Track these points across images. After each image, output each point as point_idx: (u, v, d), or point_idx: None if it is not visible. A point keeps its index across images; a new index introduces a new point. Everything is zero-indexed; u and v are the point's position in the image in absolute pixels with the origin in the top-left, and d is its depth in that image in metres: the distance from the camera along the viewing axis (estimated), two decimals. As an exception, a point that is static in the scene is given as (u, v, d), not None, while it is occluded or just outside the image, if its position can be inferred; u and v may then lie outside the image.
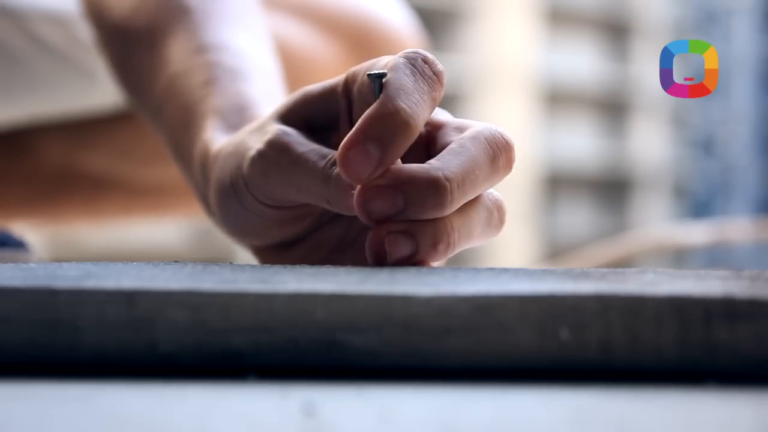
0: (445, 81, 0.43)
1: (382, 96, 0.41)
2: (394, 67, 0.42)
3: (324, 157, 0.43)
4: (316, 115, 0.46)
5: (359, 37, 0.87)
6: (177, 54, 0.58)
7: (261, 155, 0.45)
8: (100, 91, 0.84)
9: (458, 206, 0.41)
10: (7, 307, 0.31)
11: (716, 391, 0.30)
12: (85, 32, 0.81)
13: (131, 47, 0.63)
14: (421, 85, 0.41)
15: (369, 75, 0.42)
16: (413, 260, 0.41)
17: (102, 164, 0.90)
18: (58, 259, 0.49)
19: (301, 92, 0.47)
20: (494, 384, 0.30)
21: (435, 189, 0.40)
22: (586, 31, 9.17)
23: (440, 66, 0.43)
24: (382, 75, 0.42)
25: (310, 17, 0.87)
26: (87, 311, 0.31)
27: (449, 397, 0.29)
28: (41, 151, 0.90)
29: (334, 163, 0.43)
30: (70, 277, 0.33)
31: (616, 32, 9.26)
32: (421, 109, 0.41)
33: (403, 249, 0.40)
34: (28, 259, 0.85)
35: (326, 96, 0.46)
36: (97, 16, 0.67)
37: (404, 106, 0.40)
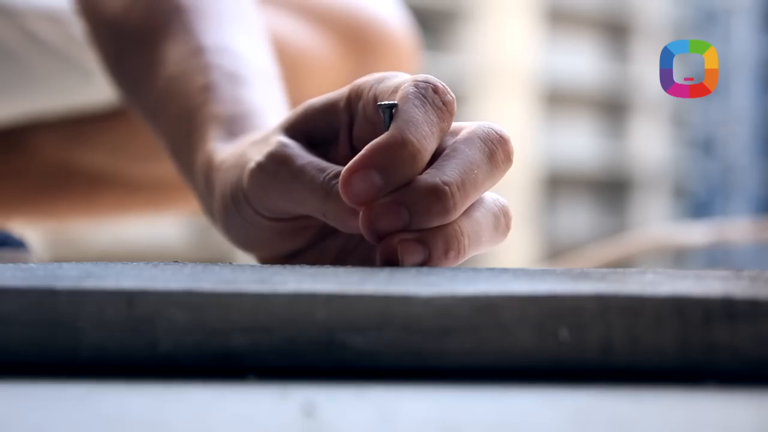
0: (454, 110, 0.43)
1: (391, 126, 0.41)
2: (405, 98, 0.42)
3: (323, 171, 0.44)
4: (318, 128, 0.47)
5: (353, 33, 0.87)
6: (173, 56, 0.58)
7: (260, 167, 0.45)
8: (96, 88, 0.84)
9: (463, 209, 0.41)
10: (7, 307, 0.31)
11: (716, 391, 0.30)
12: (80, 29, 0.81)
13: (126, 47, 0.63)
14: (430, 116, 0.41)
15: (379, 105, 0.42)
16: (426, 266, 0.41)
17: (98, 160, 0.90)
18: (58, 259, 0.49)
19: (304, 105, 0.47)
20: (494, 384, 0.30)
21: (436, 195, 0.40)
22: (586, 31, 9.17)
23: (450, 95, 0.43)
24: (392, 106, 0.42)
25: (304, 12, 0.87)
26: (87, 311, 0.31)
27: (449, 397, 0.29)
28: (37, 148, 0.90)
29: (333, 177, 0.43)
30: (70, 277, 0.33)
31: (616, 32, 9.26)
32: (429, 142, 0.41)
33: (416, 256, 0.40)
34: (28, 259, 0.85)
35: (328, 110, 0.47)
36: (90, 15, 0.66)
37: (413, 138, 0.41)
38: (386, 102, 0.42)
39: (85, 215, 0.98)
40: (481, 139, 0.42)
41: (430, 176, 0.40)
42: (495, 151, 0.42)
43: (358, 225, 0.41)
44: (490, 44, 8.19)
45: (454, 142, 0.42)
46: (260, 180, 0.45)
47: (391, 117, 0.42)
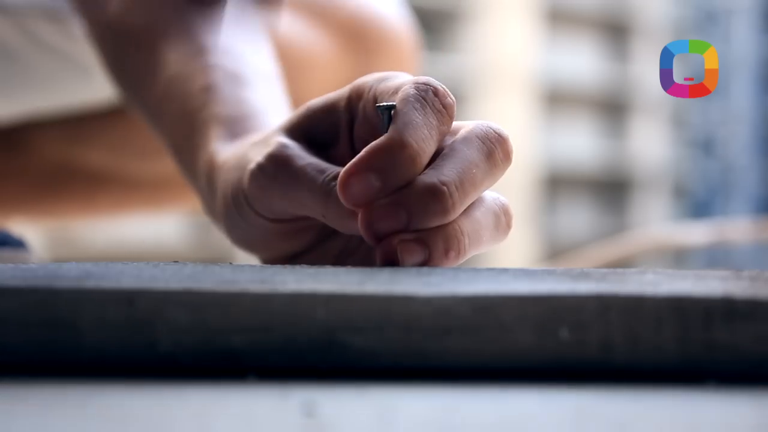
0: (454, 113, 0.43)
1: (390, 128, 0.41)
2: (405, 100, 0.42)
3: (322, 172, 0.44)
4: (319, 128, 0.47)
5: (353, 31, 0.87)
6: (174, 56, 0.58)
7: (260, 168, 0.45)
8: (96, 86, 0.84)
9: (462, 208, 0.41)
10: (7, 307, 0.31)
11: (716, 391, 0.30)
12: (80, 28, 0.81)
13: (126, 48, 0.63)
14: (430, 119, 0.41)
15: (378, 107, 0.42)
16: (427, 266, 0.41)
17: (98, 158, 0.90)
18: (58, 259, 0.49)
19: (305, 106, 0.47)
20: (494, 384, 0.30)
21: (434, 196, 0.40)
22: (586, 31, 9.17)
23: (450, 98, 0.42)
24: (391, 107, 0.42)
25: (304, 10, 0.87)
26: (87, 311, 0.31)
27: (449, 397, 0.29)
28: (37, 146, 0.90)
29: (332, 179, 0.43)
30: (70, 277, 0.33)
31: (616, 32, 9.27)
32: (427, 144, 0.41)
33: (416, 256, 0.40)
34: (28, 259, 0.85)
35: (329, 109, 0.46)
36: (89, 16, 0.66)
37: (412, 141, 0.40)
38: (385, 103, 0.42)
39: (85, 213, 0.98)
40: (479, 138, 0.42)
41: (428, 176, 0.40)
42: (493, 150, 0.42)
43: (357, 226, 0.41)
44: (490, 44, 8.19)
45: (452, 142, 0.42)
46: (260, 181, 0.45)
47: (390, 118, 0.42)
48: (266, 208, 0.46)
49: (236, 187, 0.47)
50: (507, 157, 0.43)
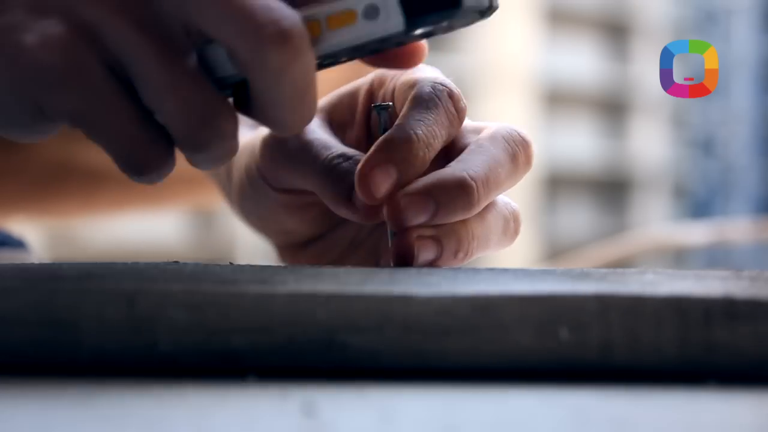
0: (465, 118, 0.44)
1: (399, 124, 0.42)
2: (419, 97, 0.42)
3: (328, 149, 0.44)
4: (339, 110, 0.48)
5: None
6: None
7: (272, 136, 0.46)
8: None
9: (484, 206, 0.42)
10: (7, 307, 0.31)
11: (716, 391, 0.30)
12: None
13: None
14: (441, 118, 0.42)
15: (374, 106, 0.43)
16: (433, 265, 0.41)
17: (97, 156, 0.90)
18: (58, 259, 0.49)
19: (336, 91, 0.48)
20: (494, 384, 0.30)
21: (462, 189, 0.40)
22: (586, 31, 9.17)
23: (463, 102, 0.44)
24: (387, 107, 0.43)
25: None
26: (87, 311, 0.31)
27: (449, 397, 0.29)
28: (36, 145, 0.90)
29: (335, 157, 0.43)
30: (70, 277, 0.33)
31: (616, 32, 9.26)
32: (436, 142, 0.42)
33: (430, 253, 0.41)
34: (28, 259, 0.85)
35: (352, 93, 0.48)
36: None
37: (424, 135, 0.41)
38: (381, 104, 0.43)
39: (84, 211, 0.98)
40: (505, 140, 0.43)
41: (458, 169, 0.41)
42: (518, 152, 0.43)
43: (348, 212, 0.42)
44: (490, 44, 8.18)
45: (478, 139, 0.43)
46: (271, 148, 0.46)
47: (387, 118, 0.43)
48: (275, 177, 0.47)
49: (249, 158, 0.48)
50: (528, 161, 0.44)
